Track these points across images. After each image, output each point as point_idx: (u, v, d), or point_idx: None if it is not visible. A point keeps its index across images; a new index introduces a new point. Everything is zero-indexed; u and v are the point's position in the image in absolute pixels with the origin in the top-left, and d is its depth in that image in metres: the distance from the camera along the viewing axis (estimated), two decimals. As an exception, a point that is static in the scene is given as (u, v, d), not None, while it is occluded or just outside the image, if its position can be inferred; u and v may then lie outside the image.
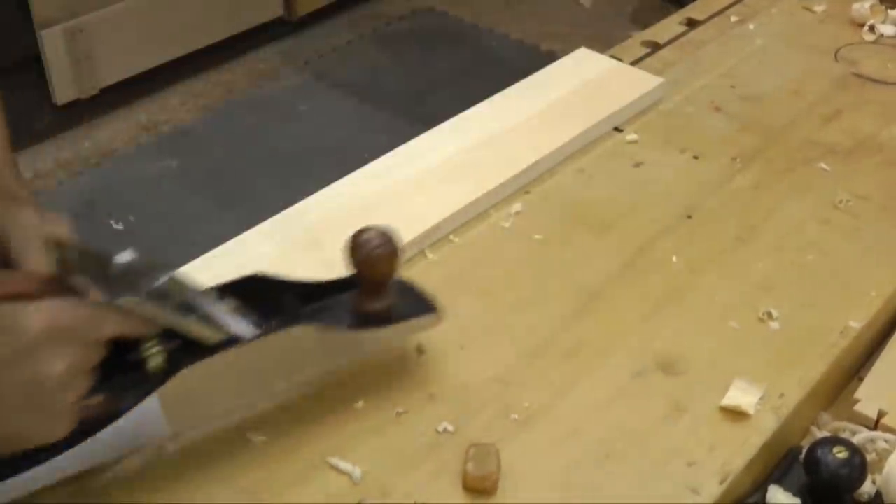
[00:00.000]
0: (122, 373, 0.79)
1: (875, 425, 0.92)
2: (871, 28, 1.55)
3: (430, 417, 0.90)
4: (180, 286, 0.79)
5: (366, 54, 3.48)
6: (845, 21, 1.59)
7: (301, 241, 1.07)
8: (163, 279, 0.77)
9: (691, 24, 1.57)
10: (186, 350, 0.81)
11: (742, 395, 0.91)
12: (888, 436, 0.91)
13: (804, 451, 0.87)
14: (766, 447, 0.89)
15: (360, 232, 0.88)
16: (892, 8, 1.58)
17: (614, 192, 1.19)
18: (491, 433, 0.88)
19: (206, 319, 0.80)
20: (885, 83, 1.42)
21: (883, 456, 0.89)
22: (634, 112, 1.33)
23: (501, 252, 1.09)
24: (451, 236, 1.11)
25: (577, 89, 1.34)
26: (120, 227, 2.62)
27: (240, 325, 0.83)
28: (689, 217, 1.15)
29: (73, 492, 0.82)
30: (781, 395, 0.92)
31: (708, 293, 1.05)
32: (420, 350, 0.96)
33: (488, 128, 1.25)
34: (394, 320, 0.91)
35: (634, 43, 1.51)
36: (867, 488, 0.86)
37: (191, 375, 0.80)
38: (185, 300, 0.79)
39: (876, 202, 1.18)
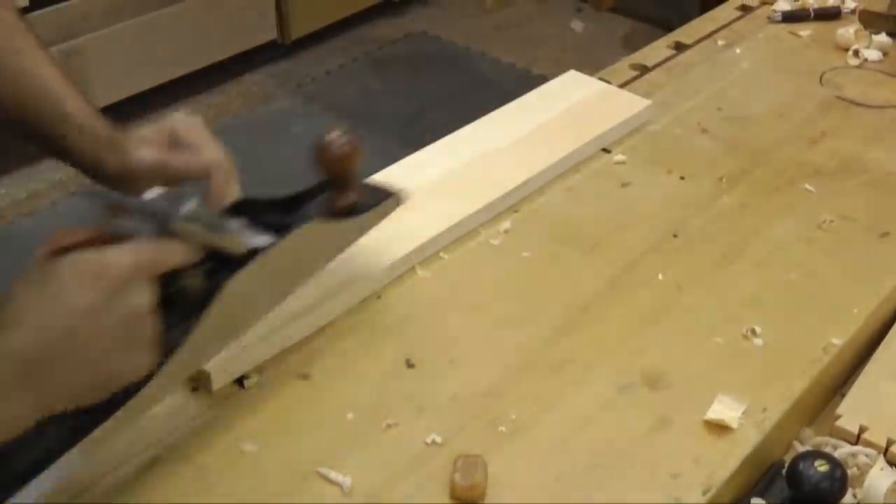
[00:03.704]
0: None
1: (856, 440, 0.93)
2: (856, 53, 1.57)
3: (419, 429, 0.91)
4: (203, 210, 0.84)
5: (359, 77, 3.50)
6: (830, 46, 1.61)
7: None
8: (188, 205, 0.83)
9: (679, 47, 1.60)
10: (213, 272, 0.86)
11: (726, 410, 0.93)
12: (869, 450, 0.92)
13: (787, 464, 0.89)
14: (749, 460, 0.90)
15: (322, 136, 0.96)
16: (875, 33, 1.60)
17: (602, 211, 1.21)
18: (479, 445, 0.89)
19: (233, 234, 0.87)
20: (869, 106, 1.45)
21: (864, 470, 0.91)
22: (622, 133, 1.35)
23: (490, 269, 1.11)
24: (442, 253, 1.13)
25: (566, 111, 1.36)
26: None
27: (256, 237, 0.89)
28: (676, 236, 1.17)
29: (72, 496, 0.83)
30: (764, 410, 0.94)
31: (693, 310, 1.06)
32: (410, 363, 0.98)
33: (478, 147, 1.27)
34: (369, 207, 1.01)
35: (623, 66, 1.54)
36: (848, 501, 0.88)
37: (232, 287, 0.85)
38: (210, 221, 0.85)
39: (859, 222, 1.20)
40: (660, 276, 1.10)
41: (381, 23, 3.82)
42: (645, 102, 1.38)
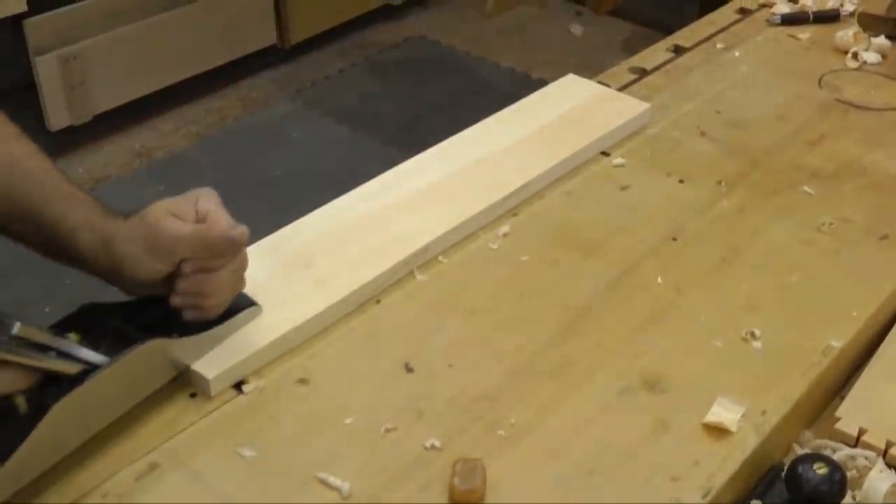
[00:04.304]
0: None
1: (856, 443, 0.93)
2: (855, 55, 1.57)
3: (418, 433, 0.91)
4: (29, 330, 0.82)
5: (358, 82, 3.50)
6: (829, 48, 1.61)
7: (292, 261, 1.08)
8: (16, 327, 0.81)
9: (678, 50, 1.60)
10: (44, 386, 0.84)
11: (725, 413, 0.93)
12: (868, 453, 0.92)
13: (786, 467, 0.89)
14: (748, 463, 0.90)
15: None
16: (874, 36, 1.61)
17: (601, 214, 1.21)
18: (478, 449, 0.89)
19: (63, 355, 0.85)
20: (868, 109, 1.45)
21: (863, 473, 0.90)
22: (621, 136, 1.35)
23: (489, 273, 1.11)
24: (441, 257, 1.13)
25: (565, 114, 1.36)
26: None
27: (90, 354, 0.87)
28: (675, 239, 1.17)
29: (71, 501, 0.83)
30: (763, 413, 0.94)
31: (692, 313, 1.06)
32: (409, 367, 0.98)
33: (477, 151, 1.27)
34: (223, 319, 0.96)
35: (622, 69, 1.54)
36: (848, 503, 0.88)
37: (61, 407, 0.83)
38: (42, 341, 0.84)
39: (858, 225, 1.20)
40: (659, 280, 1.10)
41: (380, 27, 3.82)
42: (644, 106, 1.38)
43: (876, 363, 1.02)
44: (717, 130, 1.38)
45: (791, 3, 1.75)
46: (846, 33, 1.60)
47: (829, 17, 1.70)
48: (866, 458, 0.92)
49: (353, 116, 3.24)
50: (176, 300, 0.92)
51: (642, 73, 1.53)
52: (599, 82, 1.46)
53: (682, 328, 1.04)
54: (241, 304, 0.98)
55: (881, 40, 1.60)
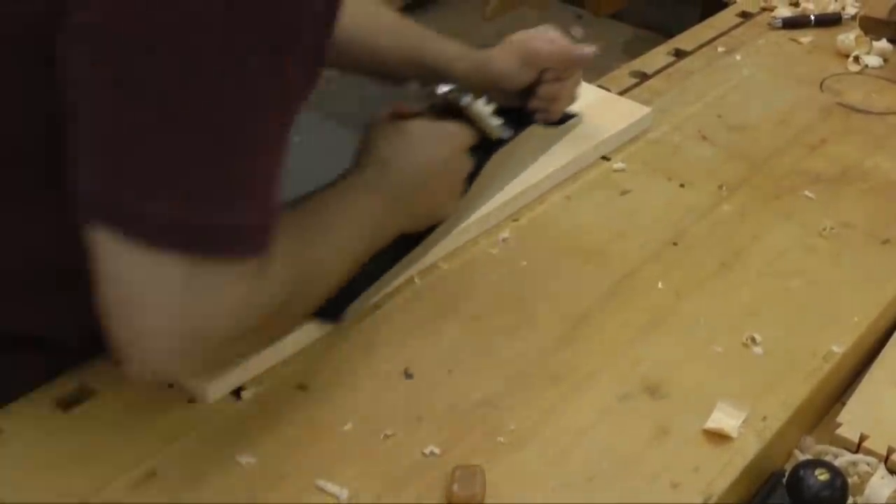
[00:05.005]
0: None
1: (857, 448, 0.93)
2: (856, 59, 1.57)
3: (418, 440, 0.91)
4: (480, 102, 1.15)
5: (360, 86, 3.50)
6: (831, 52, 1.61)
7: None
8: (468, 98, 1.13)
9: (679, 54, 1.59)
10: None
11: (726, 418, 0.92)
12: (870, 459, 0.92)
13: (787, 473, 0.89)
14: (749, 469, 0.90)
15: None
16: (876, 39, 1.60)
17: (601, 219, 1.20)
18: (477, 455, 0.89)
19: (497, 124, 1.16)
20: (870, 113, 1.44)
21: (864, 479, 0.90)
22: (622, 141, 1.34)
23: (489, 278, 1.11)
24: (440, 262, 1.12)
25: (565, 118, 1.35)
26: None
27: (504, 129, 1.17)
28: (675, 244, 1.17)
29: (62, 513, 0.83)
30: (764, 419, 0.93)
31: (693, 318, 1.06)
32: (408, 373, 0.97)
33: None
34: (563, 121, 1.29)
35: (622, 73, 1.53)
36: (849, 510, 0.88)
37: (493, 162, 1.15)
38: (485, 111, 1.15)
39: (859, 229, 1.20)
40: (659, 285, 1.10)
41: (381, 31, 3.82)
42: (645, 110, 1.38)
43: (877, 368, 1.02)
44: (718, 134, 1.38)
45: (792, 7, 1.74)
46: (848, 37, 1.60)
47: (830, 21, 1.69)
48: (868, 463, 0.91)
49: (354, 120, 3.23)
50: (535, 103, 1.23)
51: (643, 76, 1.52)
52: (600, 86, 1.46)
53: (683, 333, 1.04)
54: (569, 116, 1.30)
55: (883, 44, 1.60)
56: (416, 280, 1.09)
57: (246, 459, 0.88)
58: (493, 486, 0.86)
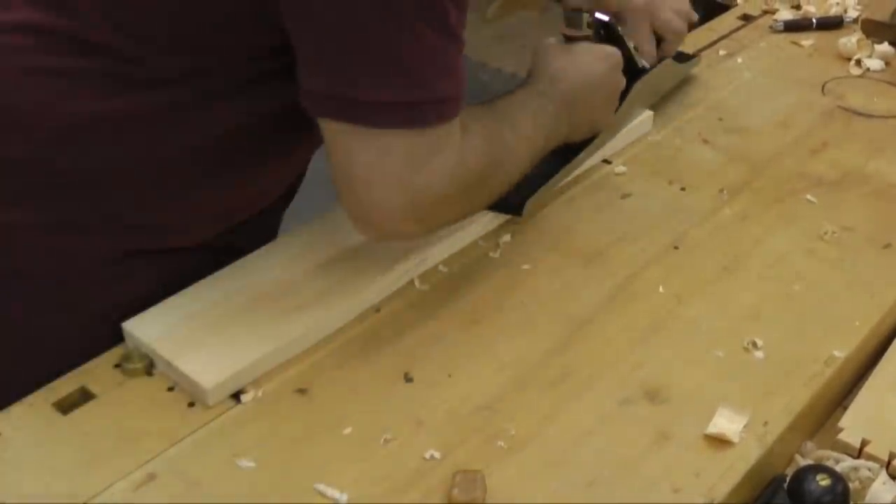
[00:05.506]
0: None
1: (858, 454, 0.93)
2: (858, 62, 1.57)
3: (418, 444, 0.90)
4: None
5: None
6: (832, 55, 1.61)
7: (292, 267, 1.07)
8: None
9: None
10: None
11: (727, 423, 0.92)
12: (871, 464, 0.91)
13: (788, 478, 0.88)
14: (751, 474, 0.89)
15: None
16: (878, 42, 1.60)
17: (602, 222, 1.20)
18: (477, 460, 0.89)
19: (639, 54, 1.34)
20: (872, 116, 1.44)
21: (866, 484, 0.90)
22: (623, 144, 1.34)
23: (489, 281, 1.10)
24: (440, 266, 1.12)
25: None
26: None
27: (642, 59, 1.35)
28: (676, 248, 1.16)
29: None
30: (766, 424, 0.93)
31: (694, 322, 1.06)
32: (408, 377, 0.97)
33: (478, 159, 1.27)
34: (685, 60, 1.48)
35: (624, 76, 1.53)
36: (850, 515, 0.87)
37: (639, 86, 1.32)
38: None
39: (861, 233, 1.19)
40: (660, 289, 1.10)
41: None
42: (646, 113, 1.38)
43: (879, 373, 1.01)
44: (719, 138, 1.38)
45: (794, 10, 1.74)
46: (849, 40, 1.60)
47: (832, 24, 1.69)
48: (869, 469, 0.91)
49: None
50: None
51: (644, 79, 1.52)
52: (601, 89, 1.46)
53: (684, 338, 1.04)
54: (690, 56, 1.51)
55: (885, 47, 1.59)
56: (417, 283, 1.09)
57: (245, 463, 0.88)
58: (493, 490, 0.85)
